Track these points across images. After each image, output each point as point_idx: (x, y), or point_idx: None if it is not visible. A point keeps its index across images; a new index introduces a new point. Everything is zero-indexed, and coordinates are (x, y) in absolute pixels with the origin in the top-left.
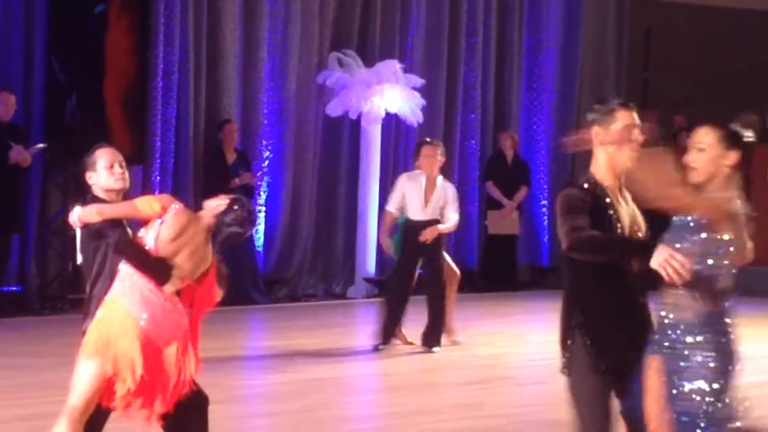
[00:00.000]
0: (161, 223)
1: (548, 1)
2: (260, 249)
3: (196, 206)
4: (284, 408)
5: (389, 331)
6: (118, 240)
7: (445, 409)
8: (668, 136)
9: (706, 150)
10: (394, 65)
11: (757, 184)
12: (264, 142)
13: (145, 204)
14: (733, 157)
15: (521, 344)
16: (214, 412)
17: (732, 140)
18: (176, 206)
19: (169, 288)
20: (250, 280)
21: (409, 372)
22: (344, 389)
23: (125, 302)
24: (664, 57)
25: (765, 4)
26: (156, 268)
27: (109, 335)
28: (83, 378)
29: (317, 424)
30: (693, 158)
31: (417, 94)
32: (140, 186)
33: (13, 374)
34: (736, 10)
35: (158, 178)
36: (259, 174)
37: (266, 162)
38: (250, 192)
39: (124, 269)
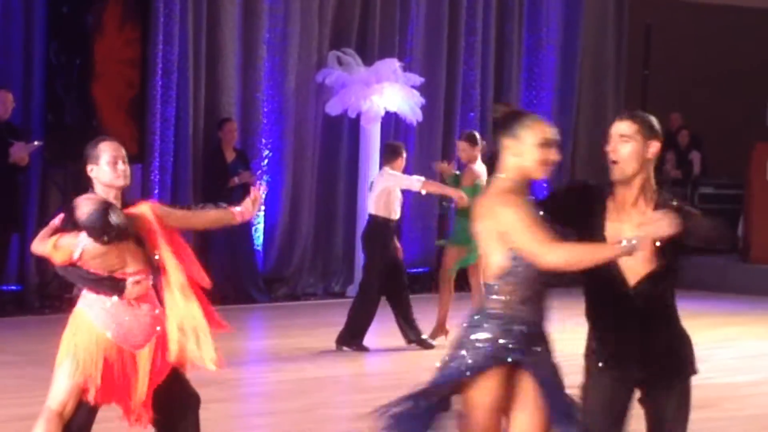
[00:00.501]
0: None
1: None
2: (259, 248)
3: (194, 205)
4: (284, 406)
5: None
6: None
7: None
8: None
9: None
10: (393, 64)
11: (756, 183)
12: (263, 141)
13: (54, 252)
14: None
15: None
16: (214, 411)
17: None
18: (81, 246)
19: (133, 294)
20: (249, 278)
21: (409, 370)
22: (344, 387)
23: (90, 316)
24: (664, 55)
25: (765, 2)
26: (102, 287)
27: (76, 344)
28: (58, 381)
29: (317, 422)
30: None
31: (416, 93)
32: (140, 185)
33: (13, 373)
34: (736, 8)
35: (157, 177)
36: (258, 173)
37: (265, 161)
38: (248, 191)
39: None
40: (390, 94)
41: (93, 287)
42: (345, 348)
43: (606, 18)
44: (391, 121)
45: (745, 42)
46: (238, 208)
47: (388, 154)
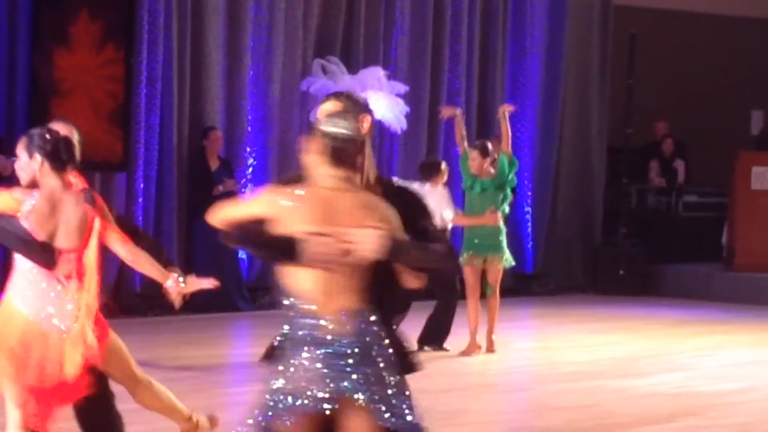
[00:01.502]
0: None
1: (532, 8)
2: (244, 256)
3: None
4: None
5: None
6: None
7: (429, 415)
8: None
9: None
10: (378, 72)
11: (739, 192)
12: (248, 149)
13: (3, 197)
14: None
15: (505, 351)
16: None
17: None
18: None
19: (64, 270)
20: (233, 287)
21: None
22: None
23: (18, 301)
24: (649, 64)
25: (750, 11)
26: (37, 252)
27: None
28: (9, 403)
29: None
30: None
31: (401, 101)
32: (124, 193)
33: None
34: (720, 17)
35: (142, 185)
36: (242, 181)
37: (250, 169)
38: (233, 199)
39: (19, 262)
40: (374, 102)
41: (27, 251)
42: (427, 348)
43: (591, 27)
44: (376, 129)
45: (730, 51)
46: (180, 279)
47: (427, 172)
